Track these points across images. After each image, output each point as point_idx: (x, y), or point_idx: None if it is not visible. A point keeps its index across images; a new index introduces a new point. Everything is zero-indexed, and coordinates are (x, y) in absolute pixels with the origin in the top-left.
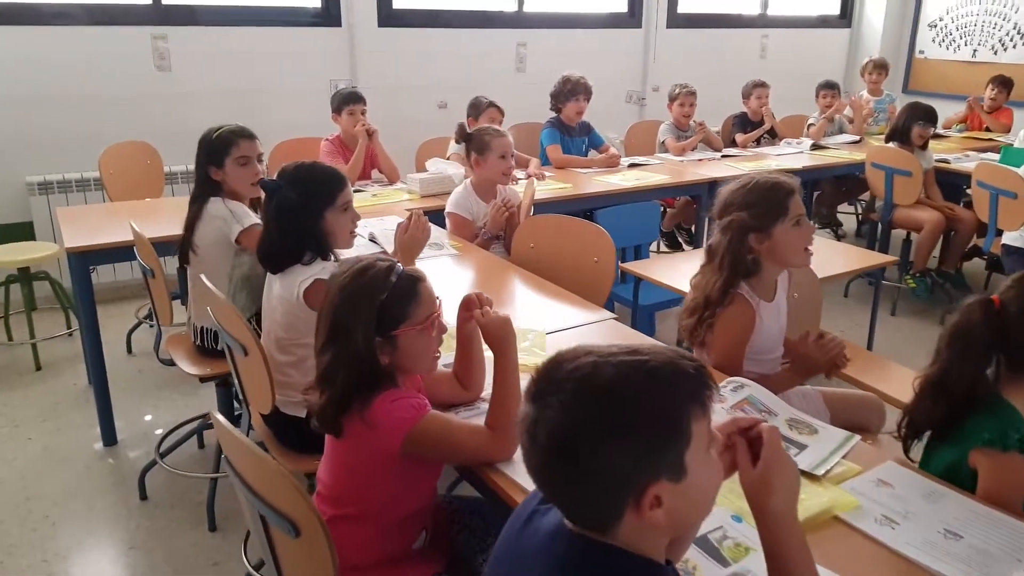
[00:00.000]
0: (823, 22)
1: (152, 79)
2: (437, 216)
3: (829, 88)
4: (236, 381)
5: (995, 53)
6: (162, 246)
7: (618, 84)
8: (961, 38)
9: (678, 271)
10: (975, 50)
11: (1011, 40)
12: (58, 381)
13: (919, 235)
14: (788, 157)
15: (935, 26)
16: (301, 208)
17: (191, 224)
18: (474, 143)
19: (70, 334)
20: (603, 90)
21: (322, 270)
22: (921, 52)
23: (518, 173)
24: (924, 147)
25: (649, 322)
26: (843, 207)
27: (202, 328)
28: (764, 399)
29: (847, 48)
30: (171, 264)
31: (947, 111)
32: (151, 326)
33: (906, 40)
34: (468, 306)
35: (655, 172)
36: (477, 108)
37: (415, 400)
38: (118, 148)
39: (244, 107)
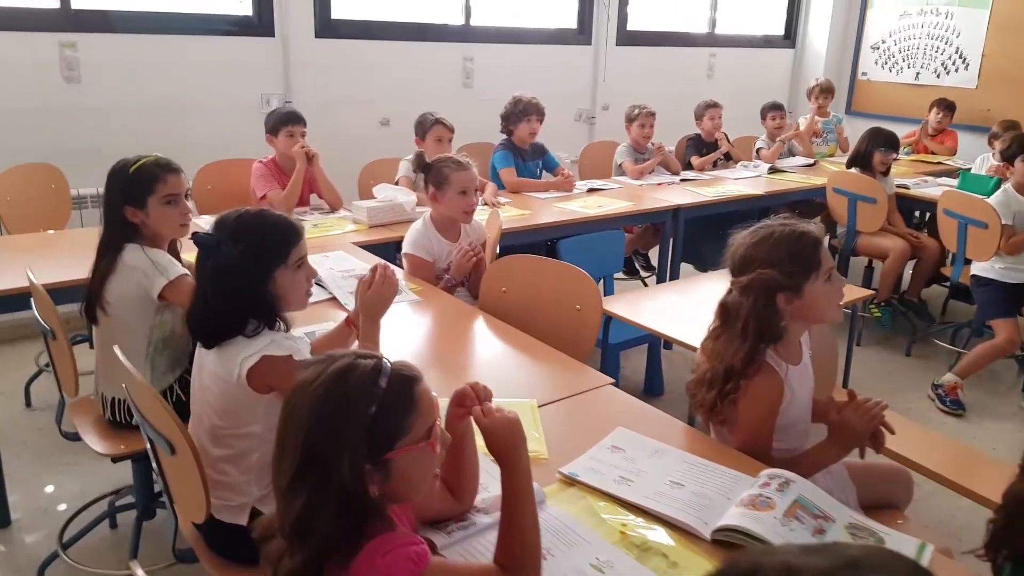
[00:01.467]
0: (768, 42)
1: (58, 91)
2: (387, 250)
3: (777, 109)
4: (160, 477)
5: (938, 76)
6: (68, 292)
7: (567, 102)
8: (904, 60)
9: (644, 308)
10: (918, 73)
11: (953, 64)
12: None
13: (884, 263)
14: (747, 181)
15: (878, 48)
16: (246, 269)
17: (102, 277)
18: (432, 175)
19: None
20: (552, 109)
21: (271, 343)
22: (864, 74)
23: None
24: (886, 173)
25: (615, 362)
26: None
27: (113, 400)
28: (817, 500)
29: (791, 68)
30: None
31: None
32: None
33: (849, 62)
34: (462, 401)
35: (615, 197)
36: (423, 126)
37: (411, 548)
38: (16, 172)
39: (164, 124)
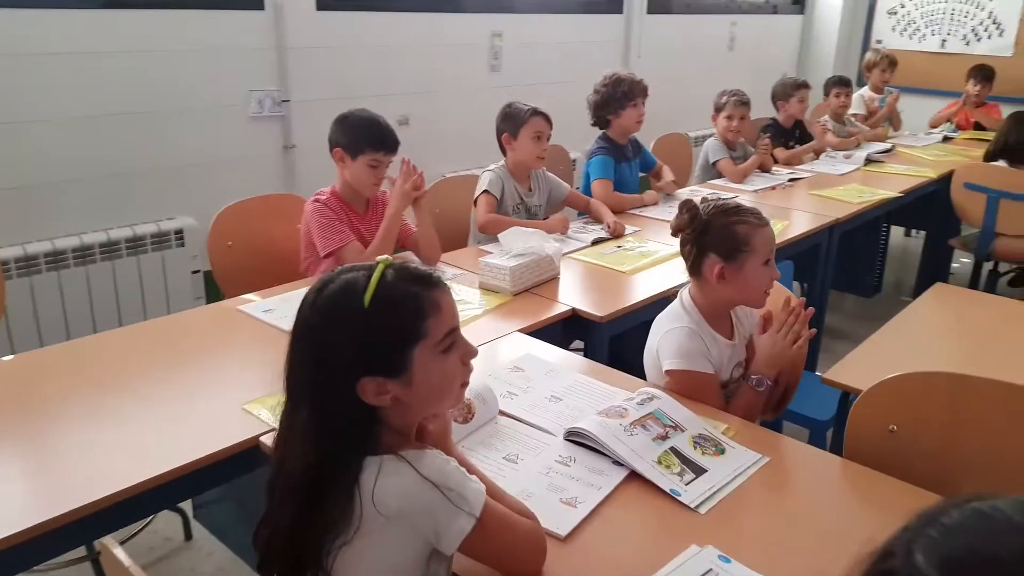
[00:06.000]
0: (776, 8)
1: None
2: (552, 332)
3: (843, 85)
4: None
5: (967, 44)
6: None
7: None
8: (927, 27)
9: None
10: (944, 40)
11: (985, 30)
12: None
13: None
14: (850, 176)
15: (895, 13)
16: None
17: (324, 529)
18: (719, 238)
19: None
20: (582, 91)
21: None
22: (879, 41)
23: (595, 229)
24: None
25: None
26: None
27: None
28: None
29: (800, 36)
30: None
31: (915, 106)
32: None
33: (861, 28)
34: None
35: None
36: (515, 120)
37: None
38: None
39: (115, 143)
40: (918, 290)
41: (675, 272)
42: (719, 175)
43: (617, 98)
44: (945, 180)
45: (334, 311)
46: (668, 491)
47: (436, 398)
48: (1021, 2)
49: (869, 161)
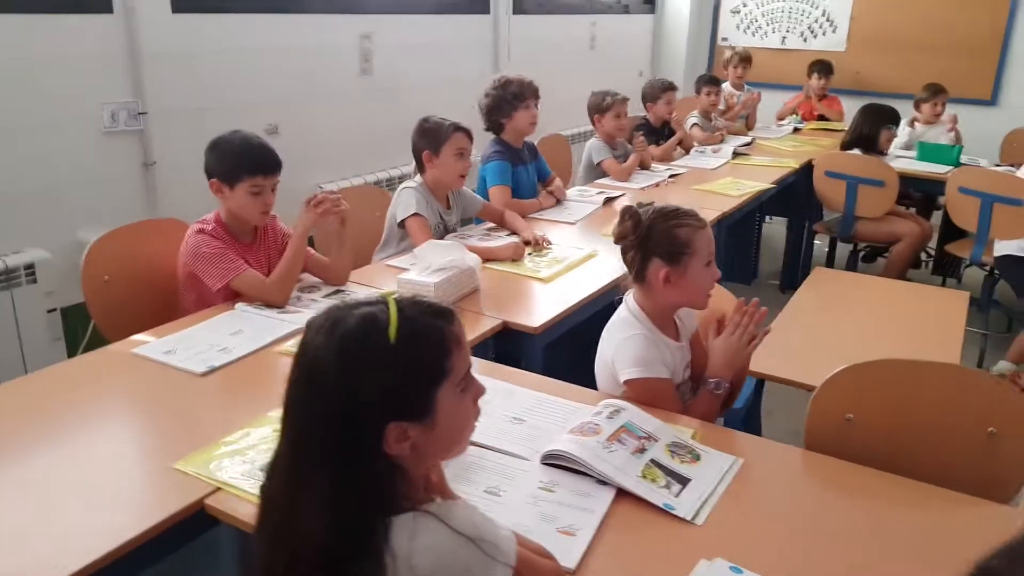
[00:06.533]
0: (628, 7)
1: None
2: (483, 350)
3: (712, 84)
4: None
5: (805, 40)
6: None
7: (468, 86)
8: (768, 25)
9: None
10: (784, 37)
11: (821, 27)
12: None
13: (896, 249)
14: (722, 171)
15: (738, 12)
16: None
17: None
18: (661, 242)
19: None
20: (454, 94)
21: None
22: (725, 39)
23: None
24: (885, 152)
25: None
26: None
27: None
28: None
29: (652, 34)
30: None
31: (761, 99)
32: None
33: (708, 26)
34: None
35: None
36: (436, 137)
37: None
38: None
39: None
40: (786, 273)
41: (594, 275)
42: (603, 175)
43: (508, 100)
44: (803, 169)
45: (359, 350)
46: (661, 506)
47: (453, 442)
48: (850, 1)
49: (736, 154)
